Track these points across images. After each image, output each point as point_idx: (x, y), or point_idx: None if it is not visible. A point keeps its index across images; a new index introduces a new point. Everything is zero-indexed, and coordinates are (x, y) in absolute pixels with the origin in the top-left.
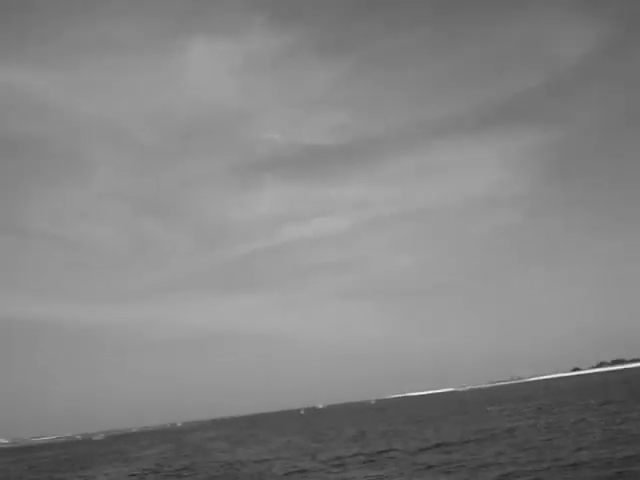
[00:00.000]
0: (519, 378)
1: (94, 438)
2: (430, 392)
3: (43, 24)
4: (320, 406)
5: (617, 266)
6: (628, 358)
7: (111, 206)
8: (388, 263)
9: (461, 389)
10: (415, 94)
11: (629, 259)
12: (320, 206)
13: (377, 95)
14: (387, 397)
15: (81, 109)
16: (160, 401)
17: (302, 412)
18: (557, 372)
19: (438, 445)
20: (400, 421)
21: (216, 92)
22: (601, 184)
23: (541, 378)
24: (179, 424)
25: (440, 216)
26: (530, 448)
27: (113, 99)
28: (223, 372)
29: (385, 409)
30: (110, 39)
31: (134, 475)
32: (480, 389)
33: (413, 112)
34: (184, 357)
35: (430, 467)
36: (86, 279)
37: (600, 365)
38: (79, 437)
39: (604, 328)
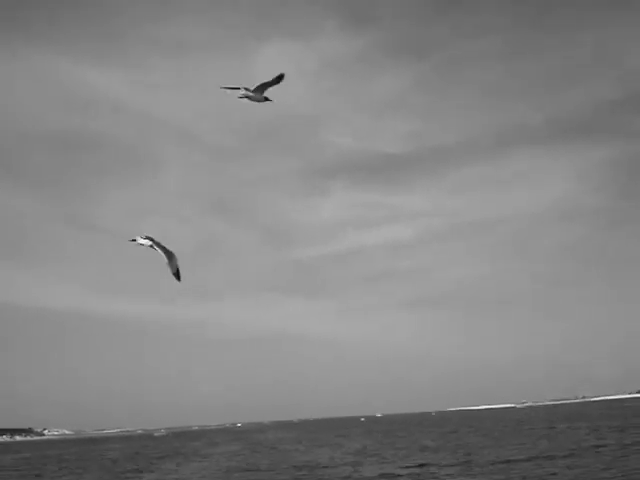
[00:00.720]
0: (583, 397)
1: (156, 434)
2: (489, 407)
3: (117, 22)
4: (378, 415)
5: None
6: None
7: (178, 205)
8: (451, 274)
9: (520, 405)
10: (487, 103)
11: None
12: (385, 214)
13: (448, 102)
14: (446, 409)
15: (153, 108)
16: (219, 401)
17: (362, 419)
18: (622, 393)
19: (529, 459)
20: (469, 433)
21: (287, 95)
22: None
23: (606, 398)
24: (239, 424)
25: (508, 227)
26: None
27: (184, 99)
28: (281, 375)
29: (448, 421)
30: (183, 39)
31: (220, 470)
32: (541, 406)
33: (484, 121)
34: (244, 358)
35: (525, 478)
36: (151, 276)
37: None
38: (140, 432)
39: None
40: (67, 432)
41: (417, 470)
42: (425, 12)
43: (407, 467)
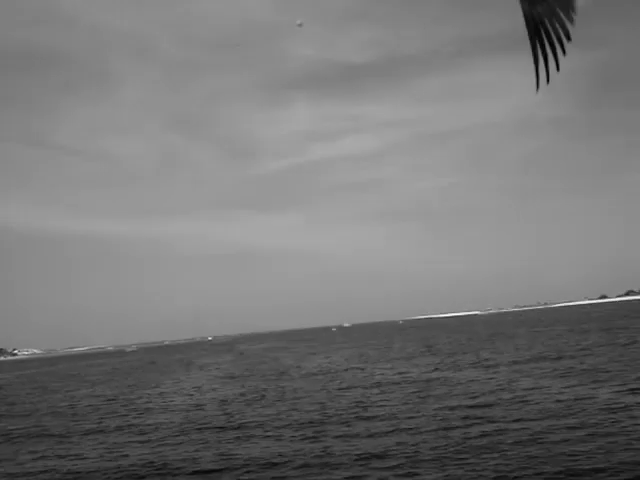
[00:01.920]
0: (545, 303)
1: (127, 350)
2: (454, 314)
3: None
4: (346, 325)
5: None
6: None
7: (138, 121)
8: (417, 184)
9: (485, 312)
10: (451, 11)
11: None
12: (350, 124)
13: (412, 12)
14: (412, 318)
15: (109, 22)
16: (187, 316)
17: (334, 329)
18: (584, 299)
19: (531, 359)
20: (456, 337)
21: (248, 5)
22: None
23: (569, 304)
24: (210, 338)
25: (473, 137)
26: (631, 361)
27: (141, 11)
28: (249, 289)
29: (419, 329)
30: None
31: (226, 377)
32: (506, 312)
33: (448, 30)
34: (210, 273)
35: (555, 371)
36: (114, 194)
37: (628, 294)
38: (111, 349)
39: (636, 257)
40: (37, 351)
41: (435, 370)
42: None
43: (425, 366)
